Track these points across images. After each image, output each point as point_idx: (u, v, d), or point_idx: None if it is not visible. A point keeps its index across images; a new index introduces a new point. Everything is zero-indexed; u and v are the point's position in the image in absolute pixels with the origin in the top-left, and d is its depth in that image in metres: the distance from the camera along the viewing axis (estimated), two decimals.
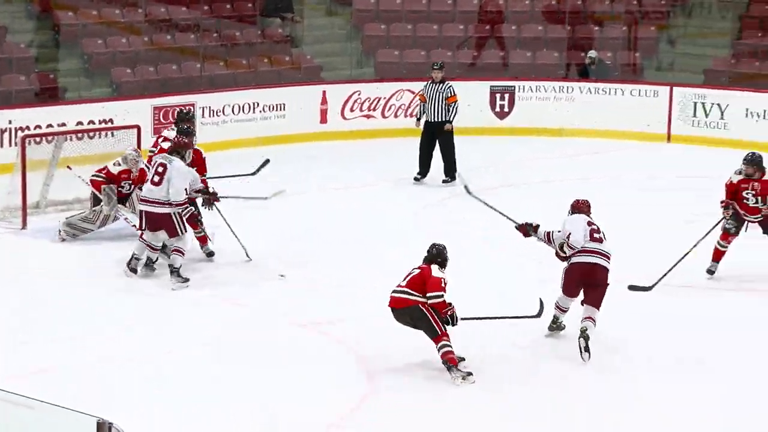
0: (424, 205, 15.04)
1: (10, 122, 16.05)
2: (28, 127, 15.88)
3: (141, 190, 11.83)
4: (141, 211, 11.39)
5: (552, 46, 20.31)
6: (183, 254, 11.26)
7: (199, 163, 11.96)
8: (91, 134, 14.23)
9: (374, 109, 19.00)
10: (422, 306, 9.28)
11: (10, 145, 15.68)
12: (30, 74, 17.26)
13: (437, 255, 9.38)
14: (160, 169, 11.21)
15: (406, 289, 9.33)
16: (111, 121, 16.64)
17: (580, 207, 10.20)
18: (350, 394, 9.07)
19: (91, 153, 13.88)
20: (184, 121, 12.44)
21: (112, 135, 14.17)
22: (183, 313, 10.81)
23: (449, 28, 20.31)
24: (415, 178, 16.12)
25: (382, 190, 15.74)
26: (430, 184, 15.96)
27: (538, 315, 10.07)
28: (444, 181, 15.98)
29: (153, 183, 11.22)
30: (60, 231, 12.82)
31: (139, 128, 14.24)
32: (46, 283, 11.53)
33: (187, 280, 11.20)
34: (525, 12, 20.66)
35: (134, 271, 11.46)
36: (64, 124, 16.17)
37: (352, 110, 18.92)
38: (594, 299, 9.88)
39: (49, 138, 14.17)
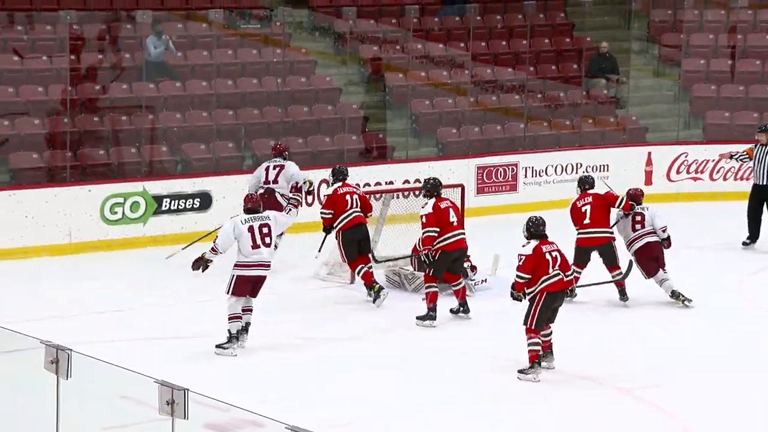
0: (751, 271, 14.49)
1: None
2: (358, 185, 16.38)
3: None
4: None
5: None
6: None
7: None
8: (417, 192, 14.50)
9: (702, 172, 18.54)
10: None
11: None
12: (360, 134, 17.82)
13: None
14: None
15: None
16: None
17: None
18: None
19: (416, 211, 14.14)
20: None
21: None
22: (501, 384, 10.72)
23: None
24: (744, 243, 15.54)
25: (708, 253, 15.31)
26: (760, 249, 15.35)
27: None
28: None
29: None
30: (387, 276, 13.34)
31: (463, 187, 14.42)
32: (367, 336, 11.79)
33: None
34: None
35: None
36: (391, 182, 16.62)
37: (678, 172, 18.51)
38: None
39: (378, 195, 14.52)
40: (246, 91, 17.29)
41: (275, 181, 13.98)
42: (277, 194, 13.91)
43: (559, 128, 18.97)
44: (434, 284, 12.02)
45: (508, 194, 17.70)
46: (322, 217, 13.03)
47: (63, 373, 7.29)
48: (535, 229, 10.27)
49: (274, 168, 14.08)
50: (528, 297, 10.23)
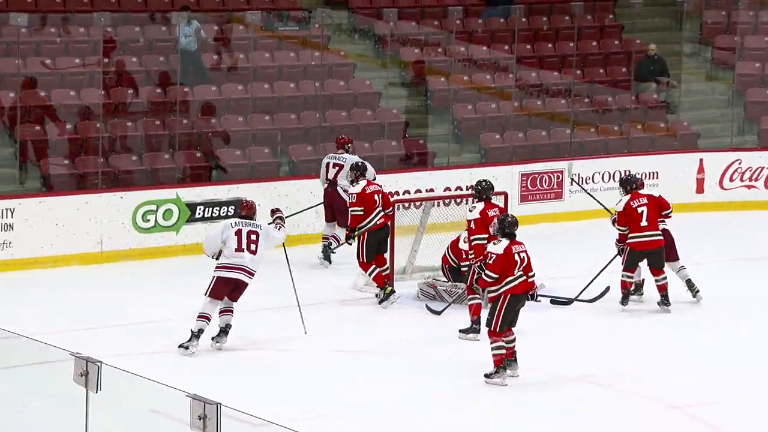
0: None
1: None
2: (397, 192, 16.08)
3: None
4: None
5: None
6: None
7: None
8: (458, 200, 14.19)
9: (756, 180, 18.20)
10: None
11: None
12: (401, 139, 17.53)
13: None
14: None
15: None
16: None
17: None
18: None
19: (458, 219, 13.76)
20: None
21: None
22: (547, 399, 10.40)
23: None
24: None
25: (762, 264, 14.94)
26: None
27: None
28: None
29: None
30: (420, 289, 12.98)
31: (506, 195, 14.01)
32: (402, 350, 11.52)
33: None
34: None
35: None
36: (432, 190, 16.34)
37: (731, 180, 18.17)
38: None
39: (418, 203, 14.25)
40: (283, 94, 17.13)
41: (336, 179, 14.48)
42: (339, 189, 14.39)
43: (606, 134, 18.69)
44: (477, 296, 11.76)
45: (554, 202, 17.37)
46: (352, 215, 13.06)
47: (93, 386, 7.21)
48: (509, 229, 10.39)
49: (334, 166, 14.58)
50: (489, 296, 10.39)
